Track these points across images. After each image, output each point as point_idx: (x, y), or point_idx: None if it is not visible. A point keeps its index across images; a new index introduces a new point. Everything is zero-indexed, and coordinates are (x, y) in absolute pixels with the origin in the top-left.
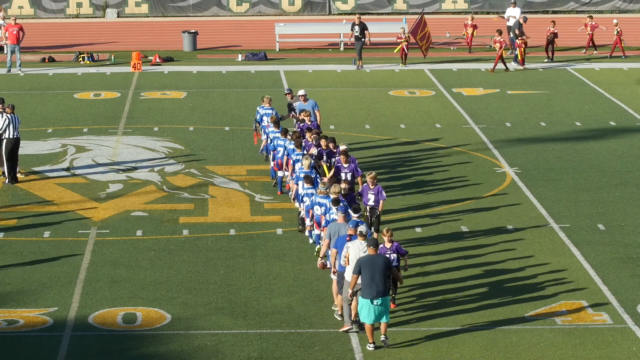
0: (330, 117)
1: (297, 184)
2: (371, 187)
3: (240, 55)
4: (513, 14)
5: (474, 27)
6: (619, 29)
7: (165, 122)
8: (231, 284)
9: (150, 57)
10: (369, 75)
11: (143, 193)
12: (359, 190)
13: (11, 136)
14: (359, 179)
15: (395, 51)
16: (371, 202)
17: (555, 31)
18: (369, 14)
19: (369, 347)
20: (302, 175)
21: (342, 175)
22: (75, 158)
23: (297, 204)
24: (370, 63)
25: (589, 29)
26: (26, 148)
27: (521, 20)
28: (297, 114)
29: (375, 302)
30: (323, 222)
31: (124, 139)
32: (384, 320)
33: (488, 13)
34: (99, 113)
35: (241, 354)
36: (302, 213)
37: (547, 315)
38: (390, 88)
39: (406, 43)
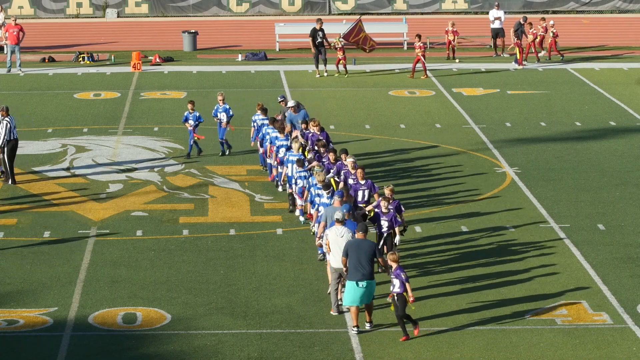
0: (330, 117)
1: (287, 167)
2: (362, 182)
3: (240, 55)
4: (497, 15)
5: (455, 33)
6: (554, 30)
7: (165, 122)
8: (231, 284)
9: (150, 57)
10: (369, 75)
11: (143, 193)
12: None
13: (11, 138)
14: (375, 195)
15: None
16: (364, 199)
17: (545, 27)
18: (369, 13)
19: (353, 330)
20: (292, 158)
21: (360, 193)
22: (75, 158)
23: (280, 188)
24: (370, 63)
25: (540, 31)
26: (26, 148)
27: (521, 21)
28: (287, 123)
29: (360, 284)
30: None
31: (124, 139)
32: (366, 302)
33: (488, 13)
34: (99, 113)
35: (241, 354)
36: (294, 193)
37: (547, 315)
38: (390, 88)
39: (342, 54)
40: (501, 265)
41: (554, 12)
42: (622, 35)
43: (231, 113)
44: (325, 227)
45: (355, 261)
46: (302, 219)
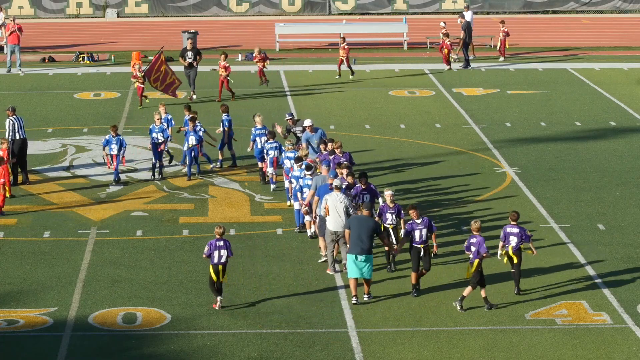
0: (330, 117)
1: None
2: (418, 221)
3: (240, 55)
4: (467, 18)
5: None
6: (505, 29)
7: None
8: (231, 284)
9: (150, 57)
10: (369, 75)
11: (143, 193)
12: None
13: (17, 137)
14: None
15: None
16: (421, 239)
17: (506, 30)
18: (369, 13)
19: (353, 301)
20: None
21: (417, 233)
22: (75, 158)
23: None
24: (371, 63)
25: (501, 34)
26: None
27: (463, 23)
28: (301, 142)
29: (359, 257)
30: (291, 175)
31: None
32: (366, 276)
33: (488, 13)
34: (99, 113)
35: (241, 354)
36: (265, 166)
37: (547, 315)
38: (390, 88)
39: (142, 82)
40: (501, 265)
41: (554, 12)
42: (622, 35)
43: (168, 134)
44: (314, 194)
45: (356, 236)
46: (273, 186)
